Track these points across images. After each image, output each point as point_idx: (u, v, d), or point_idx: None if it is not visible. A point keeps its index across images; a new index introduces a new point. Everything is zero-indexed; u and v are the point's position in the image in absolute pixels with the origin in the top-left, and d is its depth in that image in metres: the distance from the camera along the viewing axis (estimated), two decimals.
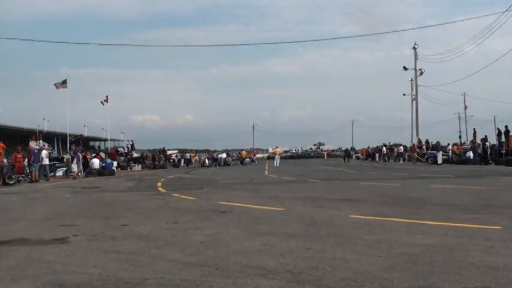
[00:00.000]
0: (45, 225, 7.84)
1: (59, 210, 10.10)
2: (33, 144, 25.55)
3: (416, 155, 39.97)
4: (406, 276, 4.02)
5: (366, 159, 56.66)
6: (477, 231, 6.22)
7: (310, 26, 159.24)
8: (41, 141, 28.27)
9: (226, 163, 48.63)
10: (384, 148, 49.55)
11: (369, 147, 60.73)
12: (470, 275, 4.06)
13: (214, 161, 48.76)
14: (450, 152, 38.30)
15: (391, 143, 52.06)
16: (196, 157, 54.20)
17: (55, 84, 39.78)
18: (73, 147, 28.64)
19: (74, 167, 25.23)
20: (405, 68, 51.25)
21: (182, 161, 49.90)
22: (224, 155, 52.03)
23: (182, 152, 60.72)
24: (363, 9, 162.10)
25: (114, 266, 4.65)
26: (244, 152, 56.93)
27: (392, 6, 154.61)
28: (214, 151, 57.55)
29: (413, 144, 44.46)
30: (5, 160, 22.17)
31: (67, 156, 27.81)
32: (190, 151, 63.95)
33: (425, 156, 38.96)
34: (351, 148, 78.49)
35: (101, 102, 46.27)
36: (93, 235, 6.59)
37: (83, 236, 6.55)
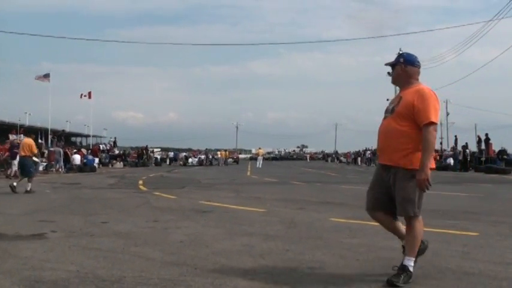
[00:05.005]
0: (23, 220, 7.73)
1: (38, 205, 9.96)
2: (13, 138, 25.16)
3: None
4: (383, 280, 4.06)
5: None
6: (455, 237, 6.31)
7: (295, 29, 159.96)
8: (21, 135, 27.86)
9: (208, 163, 48.83)
10: (368, 152, 50.04)
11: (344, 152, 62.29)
12: (446, 280, 4.13)
13: (199, 160, 48.97)
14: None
15: (374, 148, 52.52)
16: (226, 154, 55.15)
17: (36, 77, 39.05)
18: (9, 140, 26.61)
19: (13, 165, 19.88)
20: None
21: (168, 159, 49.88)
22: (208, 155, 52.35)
23: (165, 150, 60.33)
24: (349, 14, 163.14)
25: (92, 263, 4.61)
26: (223, 152, 56.73)
27: (378, 11, 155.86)
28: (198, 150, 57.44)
29: None
30: None
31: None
32: (174, 149, 63.66)
33: None
34: (335, 152, 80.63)
35: (80, 95, 45.35)
36: (72, 231, 6.52)
37: (61, 232, 6.48)
